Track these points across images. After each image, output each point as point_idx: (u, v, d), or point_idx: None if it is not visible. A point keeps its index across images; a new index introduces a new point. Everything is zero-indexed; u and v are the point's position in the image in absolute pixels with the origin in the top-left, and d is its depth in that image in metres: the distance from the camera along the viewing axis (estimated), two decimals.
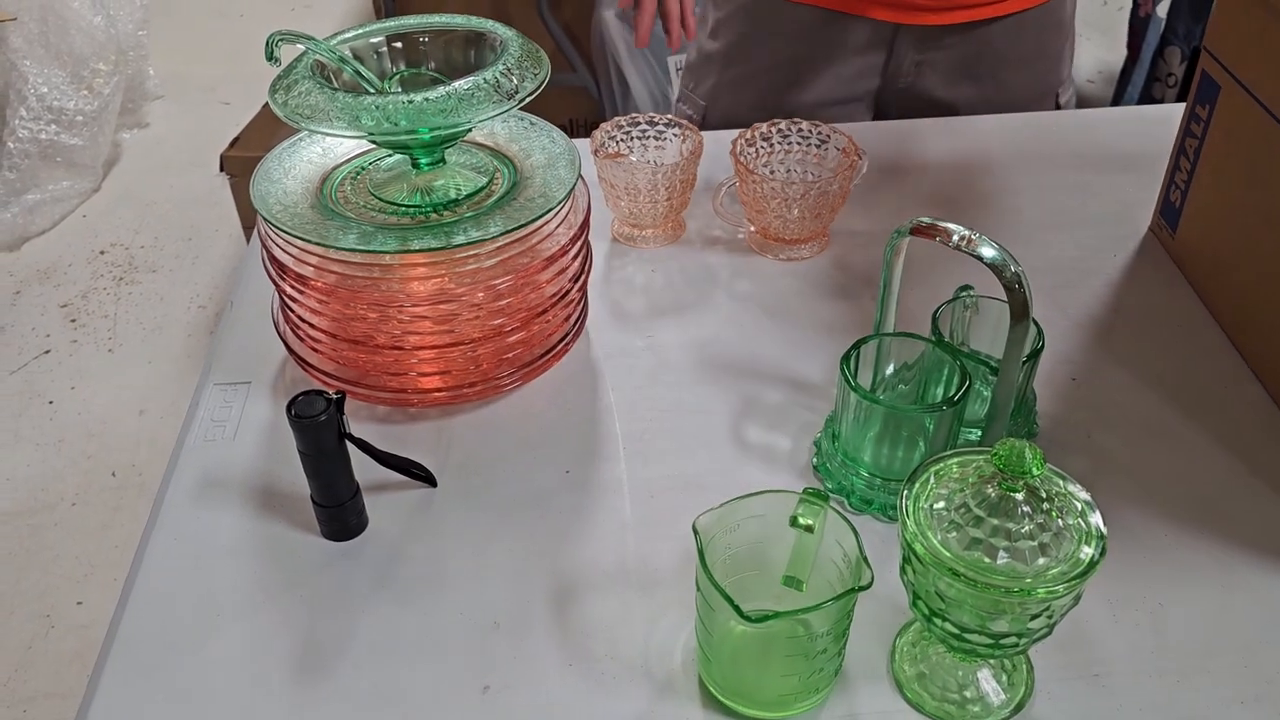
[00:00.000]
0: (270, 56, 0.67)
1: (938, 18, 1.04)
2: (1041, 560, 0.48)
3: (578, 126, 2.35)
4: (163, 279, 2.27)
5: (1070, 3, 1.11)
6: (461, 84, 0.64)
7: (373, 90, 0.70)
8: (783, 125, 0.88)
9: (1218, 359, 0.78)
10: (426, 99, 0.64)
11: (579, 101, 2.33)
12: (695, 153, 0.86)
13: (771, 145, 0.88)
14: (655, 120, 0.90)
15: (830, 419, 0.70)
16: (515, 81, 0.66)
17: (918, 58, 1.08)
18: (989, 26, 1.06)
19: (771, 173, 0.88)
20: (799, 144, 0.88)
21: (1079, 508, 0.50)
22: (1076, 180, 0.97)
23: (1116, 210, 0.93)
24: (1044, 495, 0.50)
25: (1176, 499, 0.67)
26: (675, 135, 0.89)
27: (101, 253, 2.35)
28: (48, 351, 2.08)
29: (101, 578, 1.64)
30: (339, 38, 0.72)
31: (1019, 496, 0.49)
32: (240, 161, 1.96)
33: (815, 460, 0.70)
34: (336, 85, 0.68)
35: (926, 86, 1.10)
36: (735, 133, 0.87)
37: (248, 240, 2.09)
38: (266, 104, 2.08)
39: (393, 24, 0.73)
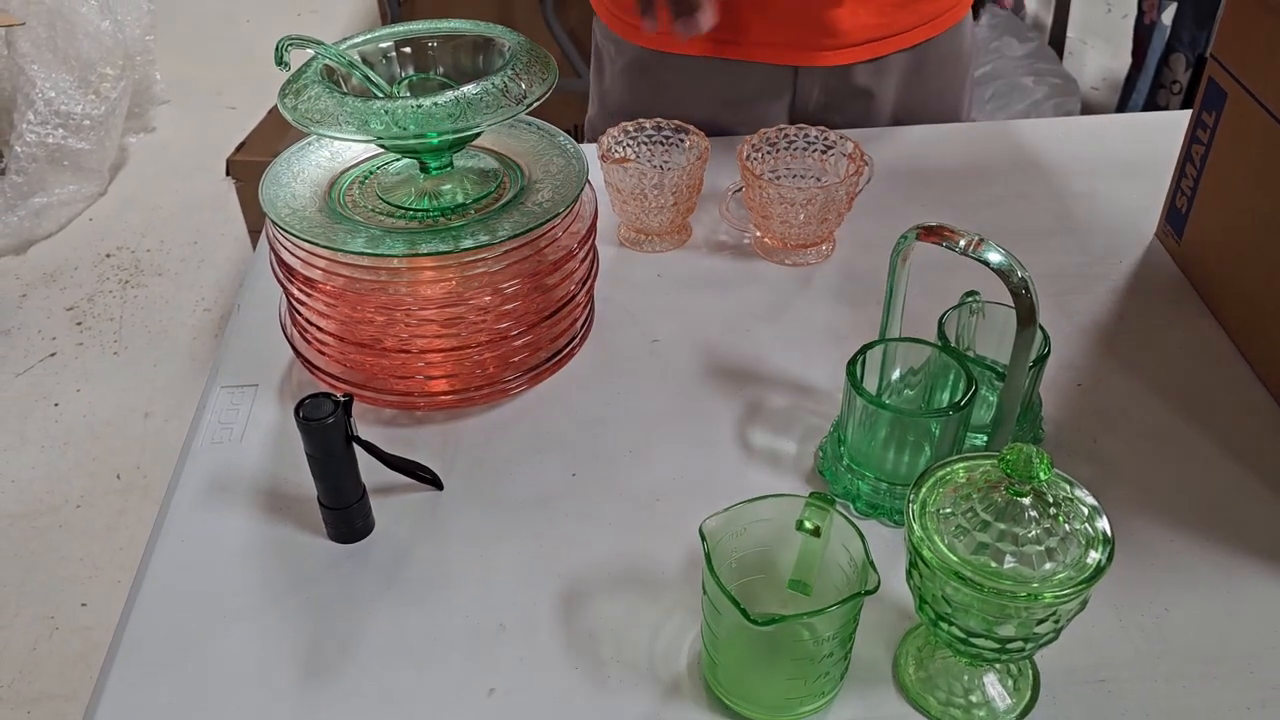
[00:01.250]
0: (280, 61, 0.67)
1: (834, 57, 1.01)
2: (1048, 565, 0.48)
3: (582, 132, 2.35)
4: (168, 282, 2.28)
5: (969, 35, 1.09)
6: (470, 89, 0.65)
7: (381, 95, 0.70)
8: (789, 131, 0.88)
9: (1223, 365, 0.78)
10: (435, 104, 0.64)
11: (583, 107, 2.33)
12: (702, 158, 0.86)
13: (778, 151, 0.89)
14: (662, 125, 0.90)
15: (836, 423, 0.70)
16: (523, 87, 0.67)
17: (823, 100, 1.06)
18: (886, 62, 1.04)
19: (778, 178, 0.89)
20: (805, 149, 0.88)
21: (1085, 513, 0.50)
22: (1082, 187, 0.97)
23: (1122, 217, 0.93)
24: (1051, 500, 0.50)
25: (1182, 505, 0.67)
26: (682, 140, 0.90)
27: (107, 256, 2.36)
28: (54, 354, 2.08)
29: (106, 580, 1.64)
30: (348, 43, 0.72)
31: (1026, 501, 0.49)
32: (246, 166, 1.97)
33: (821, 465, 0.70)
34: (345, 90, 0.69)
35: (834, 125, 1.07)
36: (742, 139, 0.87)
37: (253, 244, 2.10)
38: (272, 109, 2.11)
39: (401, 29, 0.74)
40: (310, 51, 0.69)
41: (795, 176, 0.89)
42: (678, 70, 1.05)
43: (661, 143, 0.90)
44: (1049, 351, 0.67)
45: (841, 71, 1.04)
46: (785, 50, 1.01)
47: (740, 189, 0.88)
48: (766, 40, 1.00)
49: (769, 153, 0.88)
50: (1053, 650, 0.54)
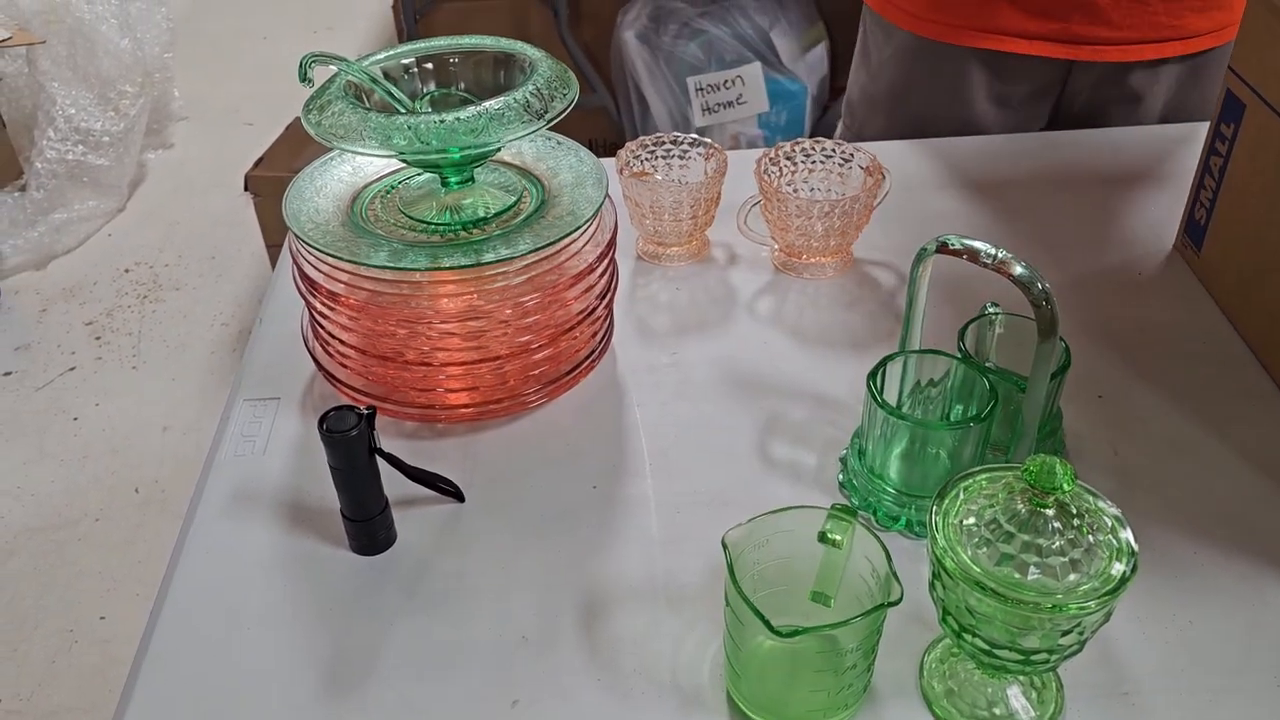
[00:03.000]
0: (303, 77, 0.68)
1: (1114, 53, 1.02)
2: (1072, 576, 0.48)
3: (597, 147, 2.36)
4: (186, 297, 2.29)
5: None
6: (492, 104, 0.65)
7: (404, 110, 0.71)
8: (806, 144, 0.88)
9: (1244, 376, 0.78)
10: (458, 119, 0.64)
11: (599, 122, 2.35)
12: (720, 171, 0.86)
13: (795, 164, 0.89)
14: (680, 139, 0.90)
15: (856, 435, 0.70)
16: (544, 102, 0.67)
17: (1090, 100, 1.07)
18: (1161, 72, 1.05)
19: (795, 191, 0.89)
20: (823, 163, 0.89)
21: (1109, 524, 0.50)
22: (1101, 198, 0.97)
23: (1141, 229, 0.93)
24: (1074, 511, 0.50)
25: (1204, 516, 0.67)
26: (699, 154, 0.90)
27: (126, 271, 2.38)
28: (73, 368, 2.10)
29: (125, 593, 1.65)
30: (370, 59, 0.73)
31: (1049, 512, 0.49)
32: (264, 181, 1.98)
33: (841, 477, 0.70)
34: (368, 106, 0.69)
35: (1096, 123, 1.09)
36: (760, 151, 0.88)
37: (271, 259, 2.12)
38: (290, 125, 2.12)
39: (423, 45, 0.74)
40: (333, 68, 0.70)
41: (813, 189, 0.90)
42: (949, 59, 1.06)
43: (680, 156, 0.91)
44: (1069, 363, 0.67)
45: (1115, 73, 1.04)
46: (1060, 45, 1.02)
47: (758, 202, 0.88)
48: (1042, 32, 1.02)
49: (786, 166, 0.89)
50: (1076, 663, 0.54)
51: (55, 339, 2.18)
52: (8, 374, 2.09)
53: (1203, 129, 0.86)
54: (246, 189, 2.01)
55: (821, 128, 2.23)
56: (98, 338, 2.18)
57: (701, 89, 2.15)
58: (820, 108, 2.24)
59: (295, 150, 2.03)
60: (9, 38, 2.34)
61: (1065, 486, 0.49)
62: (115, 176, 2.53)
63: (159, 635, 0.62)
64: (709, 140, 0.89)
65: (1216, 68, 1.07)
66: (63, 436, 1.94)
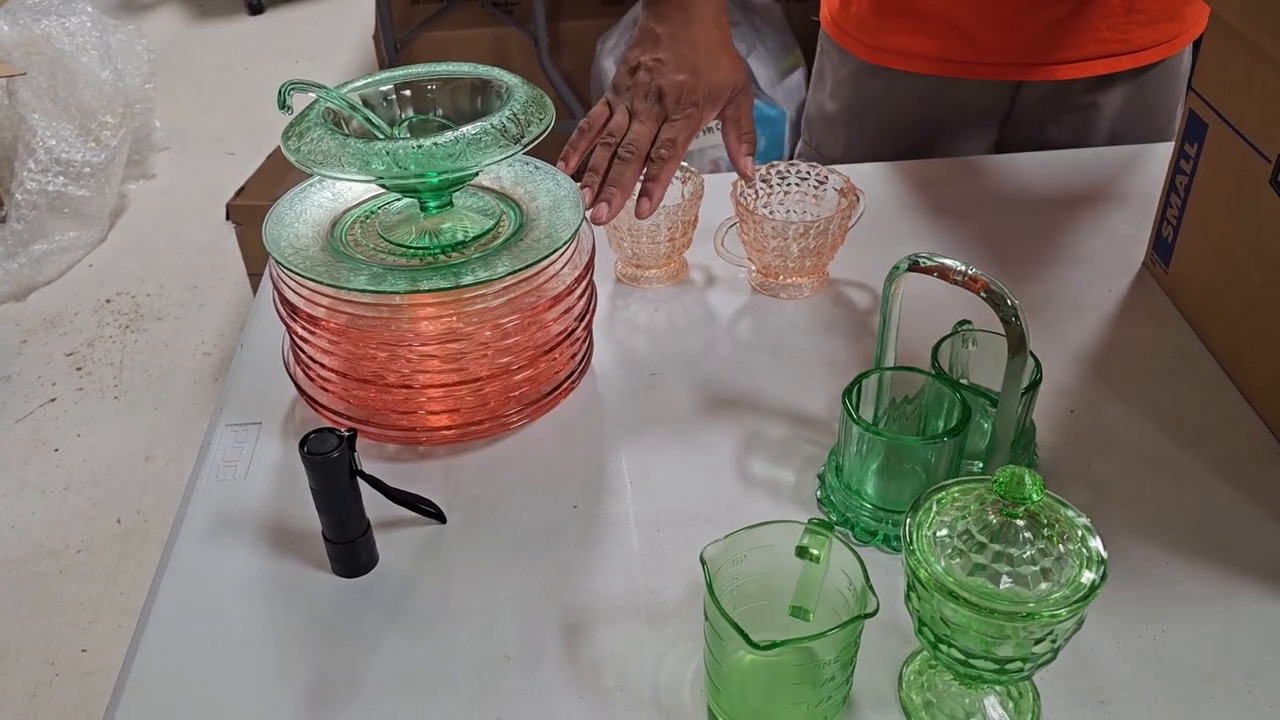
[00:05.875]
0: (282, 105, 0.69)
1: (1067, 70, 1.04)
2: (1044, 585, 0.49)
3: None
4: (168, 326, 2.29)
5: (1187, 58, 1.11)
6: (469, 129, 0.66)
7: (382, 136, 0.72)
8: (781, 167, 0.90)
9: (1213, 390, 0.79)
10: (436, 144, 0.65)
11: None
12: (697, 194, 0.88)
13: (770, 187, 0.90)
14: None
15: (833, 452, 0.71)
16: (521, 126, 0.68)
17: (1040, 115, 1.10)
18: (1109, 86, 1.07)
19: (771, 213, 0.90)
20: (798, 185, 0.90)
21: (1079, 533, 0.51)
22: (1070, 217, 0.99)
23: (1110, 246, 0.95)
24: (1044, 521, 0.51)
25: (1176, 528, 0.68)
26: (676, 178, 0.91)
27: (108, 301, 2.38)
28: (54, 399, 2.09)
29: (107, 625, 1.63)
30: (349, 86, 0.74)
31: (1020, 523, 0.50)
32: (246, 210, 1.99)
33: (819, 493, 0.71)
34: (347, 132, 0.70)
35: (1044, 143, 1.11)
36: (735, 175, 0.89)
37: (253, 287, 2.12)
38: (271, 154, 2.13)
39: (400, 73, 0.76)
40: (312, 95, 0.71)
41: (788, 211, 0.91)
42: (899, 80, 1.09)
43: None
44: (1040, 378, 0.68)
45: (1065, 87, 1.07)
46: (1014, 68, 1.05)
47: (734, 224, 0.89)
48: (993, 60, 1.04)
49: (762, 189, 0.90)
50: (1053, 672, 0.55)
51: (35, 370, 2.17)
52: None
53: (1164, 149, 0.88)
54: (228, 218, 2.02)
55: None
56: (79, 368, 2.17)
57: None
58: (799, 132, 2.26)
59: (276, 179, 2.04)
60: None
61: (1035, 497, 0.50)
62: (96, 207, 2.53)
63: (140, 660, 0.62)
64: (686, 164, 0.90)
65: (1166, 78, 1.10)
66: (44, 468, 1.93)
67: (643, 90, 0.83)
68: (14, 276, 2.37)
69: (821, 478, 0.71)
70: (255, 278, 2.08)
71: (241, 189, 2.05)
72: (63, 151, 2.45)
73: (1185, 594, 0.64)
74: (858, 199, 0.87)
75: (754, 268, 0.91)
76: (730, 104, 0.88)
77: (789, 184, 0.90)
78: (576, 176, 0.80)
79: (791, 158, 1.03)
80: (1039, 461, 0.73)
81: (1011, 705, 0.58)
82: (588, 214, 0.77)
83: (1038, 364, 0.68)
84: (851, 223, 0.88)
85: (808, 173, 0.90)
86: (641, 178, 0.82)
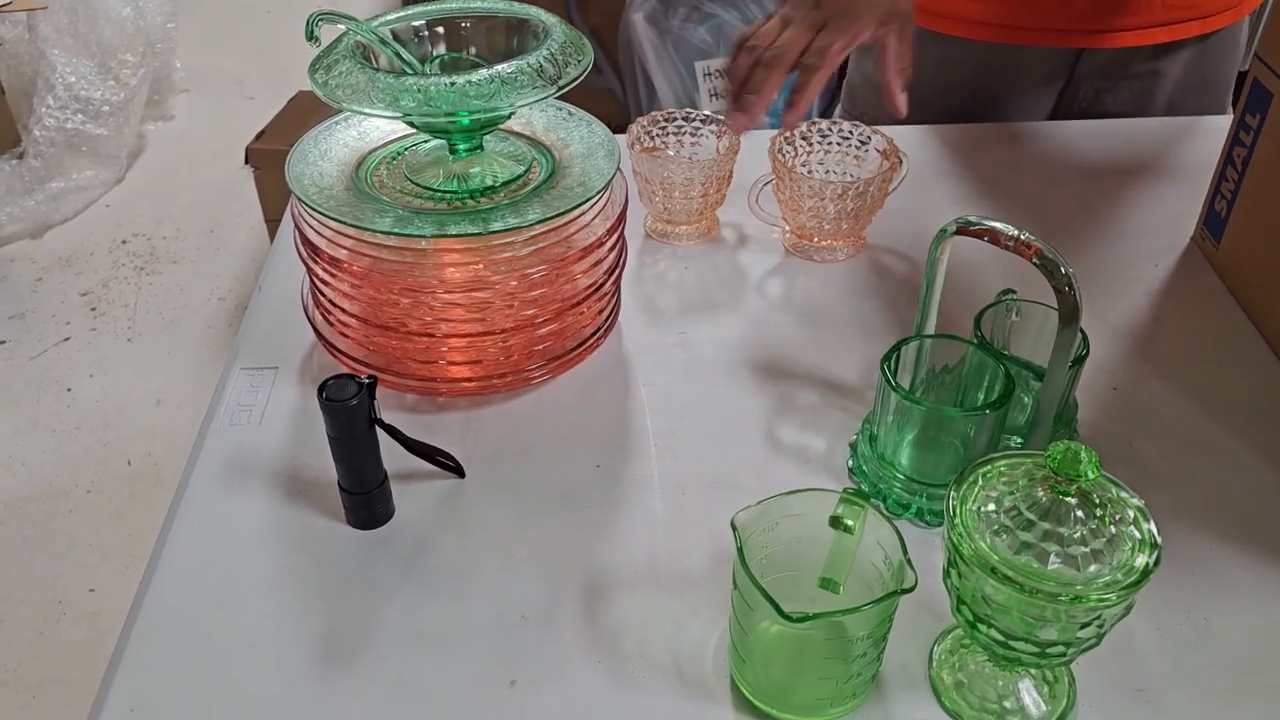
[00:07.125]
0: (310, 36, 0.66)
1: (1130, 38, 1.01)
2: (1094, 567, 0.47)
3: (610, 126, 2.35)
4: (184, 270, 2.27)
5: (1247, 27, 1.07)
6: (504, 68, 0.64)
7: (413, 73, 0.69)
8: (823, 125, 0.87)
9: (1261, 371, 0.76)
10: (468, 82, 0.63)
11: (605, 105, 2.32)
12: (732, 149, 0.85)
13: (810, 145, 0.87)
14: (691, 116, 0.88)
15: (867, 421, 0.68)
16: (558, 68, 0.65)
17: (1098, 84, 1.06)
18: (1171, 53, 1.03)
19: (810, 172, 0.87)
20: (839, 144, 0.87)
21: (1132, 515, 0.49)
22: (1118, 189, 0.95)
23: (1159, 220, 0.91)
24: (1097, 501, 0.48)
25: (1221, 513, 0.66)
26: (711, 132, 0.88)
27: (123, 242, 2.36)
28: (67, 339, 2.08)
29: (114, 566, 1.63)
30: (380, 20, 0.71)
31: (1072, 501, 0.48)
32: (265, 155, 1.96)
33: (851, 462, 0.68)
34: (376, 67, 0.67)
35: (1101, 112, 1.08)
36: (774, 131, 0.86)
37: (270, 233, 2.09)
38: (292, 99, 2.10)
39: (434, 8, 0.73)
40: (341, 28, 0.68)
41: (827, 171, 0.88)
42: (954, 48, 1.04)
43: (691, 134, 0.89)
44: (1087, 353, 0.66)
45: (1126, 55, 1.03)
46: (1077, 34, 1.01)
47: (770, 181, 0.86)
48: (1055, 25, 1.00)
49: (802, 146, 0.87)
50: (1088, 659, 0.52)
51: (50, 309, 2.16)
52: (1, 343, 2.07)
53: (1219, 121, 0.84)
54: (247, 162, 1.99)
55: (829, 115, 2.21)
56: (93, 309, 2.16)
57: (709, 74, 2.13)
58: (829, 94, 2.22)
59: (297, 124, 2.01)
60: (9, 3, 2.32)
61: (1089, 475, 0.47)
62: (114, 147, 2.51)
63: (148, 606, 0.60)
64: (721, 118, 0.87)
65: (1228, 45, 1.06)
66: (55, 407, 1.92)
67: None
68: (30, 214, 2.35)
69: (854, 446, 0.69)
70: (273, 224, 2.06)
71: (261, 133, 2.02)
72: (82, 89, 2.42)
73: (1230, 582, 0.62)
74: (900, 162, 0.84)
75: (788, 228, 0.88)
76: (892, 31, 0.84)
77: (830, 143, 0.87)
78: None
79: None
80: (1080, 438, 0.70)
81: (1046, 690, 0.56)
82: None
83: (1085, 338, 0.65)
84: (893, 186, 0.85)
85: (850, 132, 0.86)
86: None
